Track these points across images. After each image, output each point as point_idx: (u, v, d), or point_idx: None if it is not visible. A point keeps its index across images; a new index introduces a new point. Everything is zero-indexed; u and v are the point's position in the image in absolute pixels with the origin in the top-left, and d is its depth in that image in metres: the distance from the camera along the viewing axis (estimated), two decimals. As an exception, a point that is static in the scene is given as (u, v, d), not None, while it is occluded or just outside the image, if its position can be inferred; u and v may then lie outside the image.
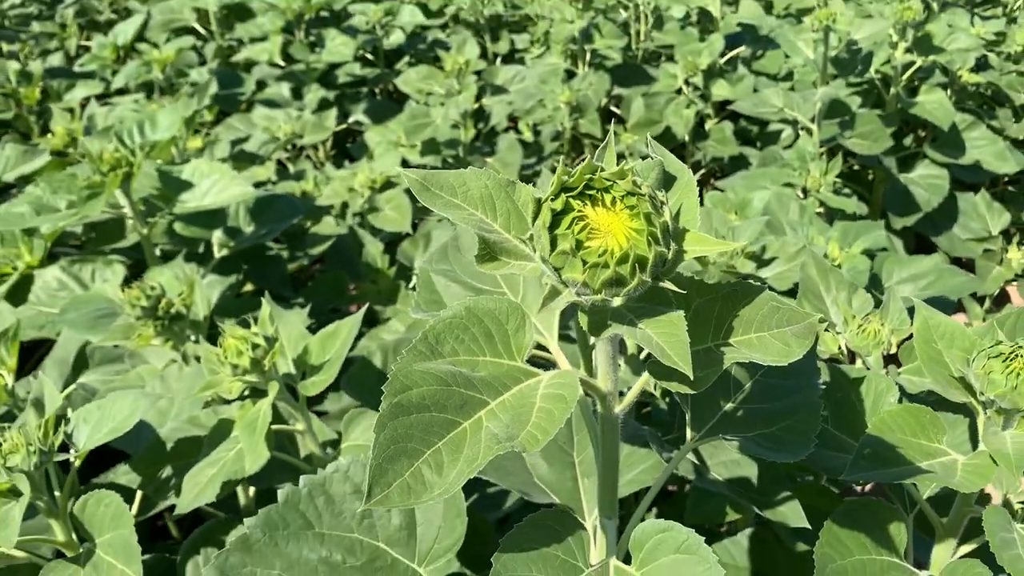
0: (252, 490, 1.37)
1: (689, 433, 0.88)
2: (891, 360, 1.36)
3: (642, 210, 0.58)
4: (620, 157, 3.01)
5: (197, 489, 1.04)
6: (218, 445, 1.08)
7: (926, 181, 3.23)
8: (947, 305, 2.02)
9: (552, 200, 0.60)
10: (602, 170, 0.60)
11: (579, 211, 0.58)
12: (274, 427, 1.05)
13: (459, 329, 0.65)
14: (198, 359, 1.22)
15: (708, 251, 0.60)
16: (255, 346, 1.04)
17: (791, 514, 1.03)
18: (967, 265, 3.12)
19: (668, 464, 0.87)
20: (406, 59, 4.37)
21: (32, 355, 2.10)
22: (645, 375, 0.73)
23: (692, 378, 0.59)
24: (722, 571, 0.64)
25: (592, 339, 0.72)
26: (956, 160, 3.23)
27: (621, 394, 0.75)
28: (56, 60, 4.10)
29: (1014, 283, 2.95)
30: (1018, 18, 3.85)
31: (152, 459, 1.15)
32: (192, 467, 1.07)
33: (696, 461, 1.07)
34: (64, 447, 1.03)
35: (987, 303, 3.06)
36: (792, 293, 1.50)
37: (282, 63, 3.87)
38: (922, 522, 1.11)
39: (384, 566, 0.85)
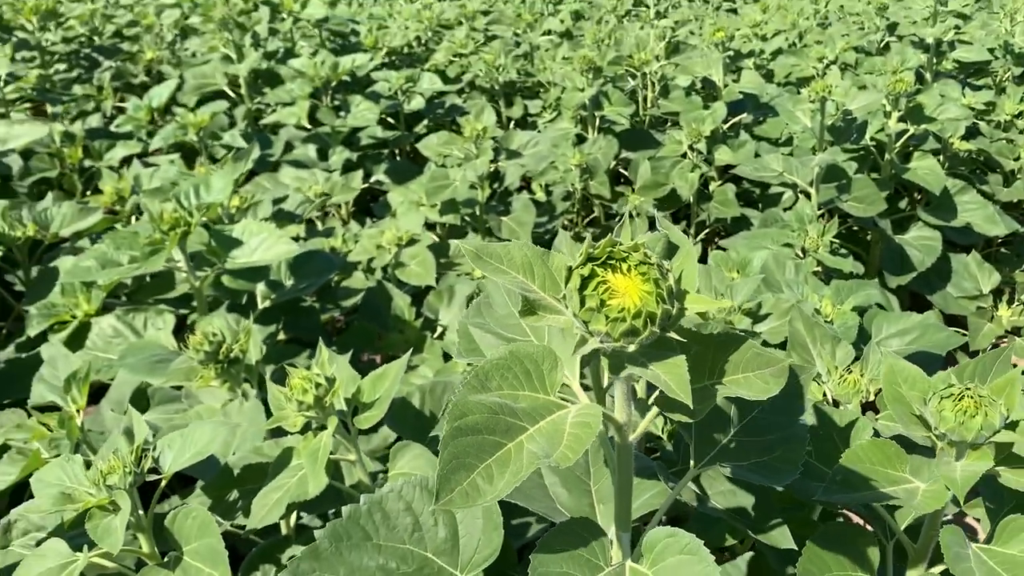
0: (293, 519, 1.51)
1: (692, 462, 1.03)
2: (869, 407, 1.51)
3: (652, 276, 0.75)
4: (631, 217, 3.18)
5: (265, 510, 1.19)
6: (281, 472, 1.23)
7: (920, 242, 3.40)
8: (933, 359, 2.17)
9: (581, 267, 0.76)
10: (620, 244, 0.77)
11: (602, 277, 0.75)
12: (331, 456, 1.20)
13: (504, 368, 0.82)
14: (263, 399, 1.38)
15: (704, 308, 0.77)
16: (317, 385, 1.20)
17: (781, 538, 1.17)
18: (961, 322, 3.26)
19: (673, 489, 1.02)
20: (425, 122, 4.61)
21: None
22: (653, 411, 0.89)
23: (692, 408, 0.75)
24: (718, 569, 0.79)
25: (607, 379, 0.89)
26: (948, 223, 3.41)
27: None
28: (95, 121, 4.33)
29: (1005, 339, 3.10)
30: (1007, 88, 4.05)
31: (222, 484, 1.30)
32: (257, 492, 1.22)
33: (698, 492, 1.22)
34: (153, 470, 1.19)
35: (980, 359, 3.20)
36: (784, 346, 1.66)
37: (308, 126, 4.10)
38: (902, 551, 1.25)
39: (431, 573, 1.00)
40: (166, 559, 1.16)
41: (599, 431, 0.90)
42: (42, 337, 2.24)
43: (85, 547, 1.14)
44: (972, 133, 3.91)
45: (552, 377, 0.83)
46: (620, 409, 0.88)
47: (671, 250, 0.87)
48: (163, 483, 1.20)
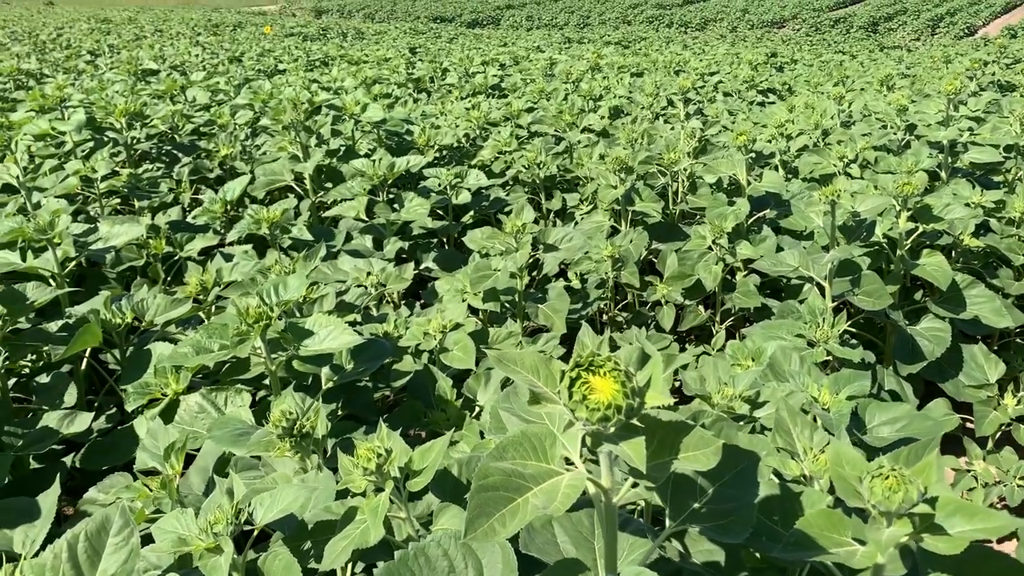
0: (349, 570, 1.80)
1: (668, 523, 1.31)
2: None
3: (620, 379, 1.05)
4: (653, 304, 3.47)
5: (335, 554, 1.47)
6: (347, 526, 1.52)
7: (930, 333, 3.62)
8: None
9: (571, 371, 1.07)
10: (599, 355, 1.08)
11: (585, 378, 1.06)
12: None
13: (517, 444, 1.12)
14: (332, 468, 1.68)
15: (658, 403, 1.06)
16: (379, 455, 1.50)
17: (747, 588, 1.43)
18: (970, 409, 3.45)
19: (655, 542, 1.30)
20: (471, 214, 5.00)
21: (170, 464, 2.59)
22: (630, 480, 1.18)
23: (649, 475, 1.04)
24: (672, 596, 1.06)
25: (596, 454, 1.18)
26: (958, 315, 3.63)
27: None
28: (174, 213, 4.80)
29: (1010, 426, 3.28)
30: (1016, 188, 4.30)
31: (299, 536, 1.59)
32: (327, 542, 1.52)
33: (682, 551, 1.48)
34: (246, 523, 1.49)
35: (989, 444, 3.39)
36: (773, 430, 1.91)
37: (366, 218, 4.51)
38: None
39: (462, 605, 1.28)
40: (257, 593, 1.45)
41: (593, 492, 1.19)
42: (137, 411, 2.60)
43: (195, 580, 1.45)
44: (983, 230, 4.15)
45: (552, 451, 1.13)
46: (606, 477, 1.17)
47: (644, 359, 1.17)
48: (255, 532, 1.51)
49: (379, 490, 1.53)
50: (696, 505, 1.32)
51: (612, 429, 1.06)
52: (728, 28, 39.89)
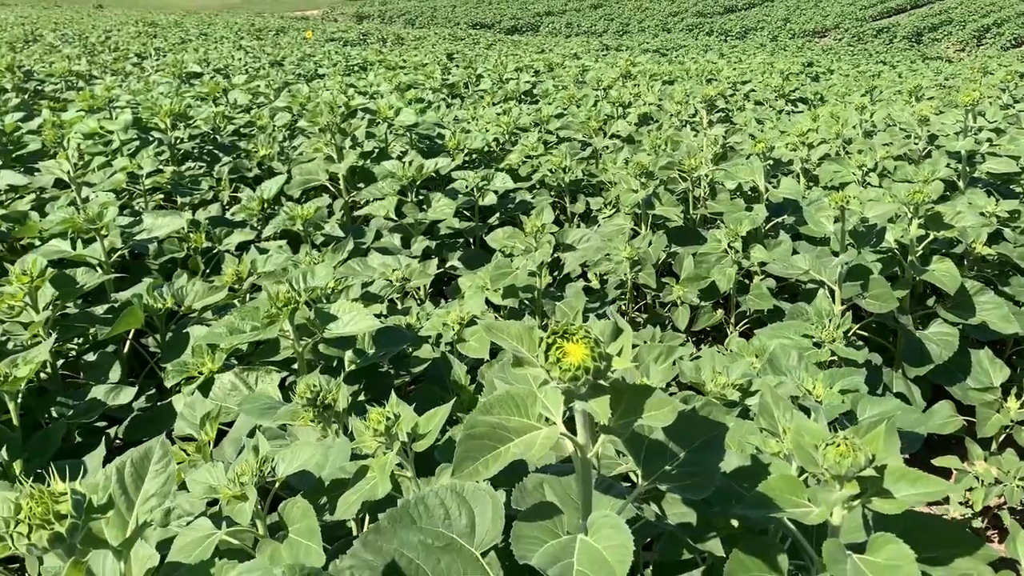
0: (366, 523, 1.97)
1: (641, 482, 1.46)
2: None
3: (591, 345, 1.21)
4: (670, 305, 3.60)
5: (347, 505, 1.65)
6: (359, 482, 1.69)
7: (939, 337, 3.71)
8: (915, 437, 2.50)
9: (548, 338, 1.23)
10: (573, 324, 1.24)
11: (559, 344, 1.22)
12: (394, 472, 1.67)
13: (502, 401, 1.29)
14: (348, 434, 1.86)
15: (621, 367, 1.22)
16: (388, 418, 1.67)
17: (715, 546, 1.57)
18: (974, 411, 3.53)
19: (628, 498, 1.46)
20: (497, 215, 5.18)
21: (204, 437, 2.80)
22: (602, 437, 1.34)
23: (612, 428, 1.20)
24: (632, 536, 1.21)
25: (569, 410, 1.34)
26: (966, 320, 3.72)
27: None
28: (214, 210, 5.04)
29: (1011, 428, 3.36)
30: (1032, 198, 4.36)
31: (315, 492, 1.76)
32: (341, 496, 1.69)
33: (658, 512, 1.63)
34: (269, 482, 1.67)
35: (993, 446, 3.47)
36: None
37: (395, 217, 4.70)
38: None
39: (455, 548, 1.44)
40: (276, 536, 1.63)
41: (571, 450, 1.35)
42: (175, 389, 2.81)
43: (223, 524, 1.63)
44: (997, 238, 4.22)
45: (532, 409, 1.29)
46: (581, 433, 1.32)
47: (617, 331, 1.33)
48: (276, 485, 1.69)
49: (390, 449, 1.70)
50: (667, 467, 1.48)
51: (583, 389, 1.22)
52: (768, 37, 39.70)
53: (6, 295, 2.77)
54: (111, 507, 1.05)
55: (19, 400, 2.47)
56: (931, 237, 3.81)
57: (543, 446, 1.23)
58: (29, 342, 2.87)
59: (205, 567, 1.20)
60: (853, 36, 39.57)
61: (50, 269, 2.86)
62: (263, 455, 1.68)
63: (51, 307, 2.88)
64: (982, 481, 3.27)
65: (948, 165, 4.66)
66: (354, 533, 1.89)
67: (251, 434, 2.34)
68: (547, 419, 1.32)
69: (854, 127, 5.73)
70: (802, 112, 8.56)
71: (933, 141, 5.24)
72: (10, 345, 2.89)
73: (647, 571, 1.80)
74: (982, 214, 4.18)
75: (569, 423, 1.34)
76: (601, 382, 1.21)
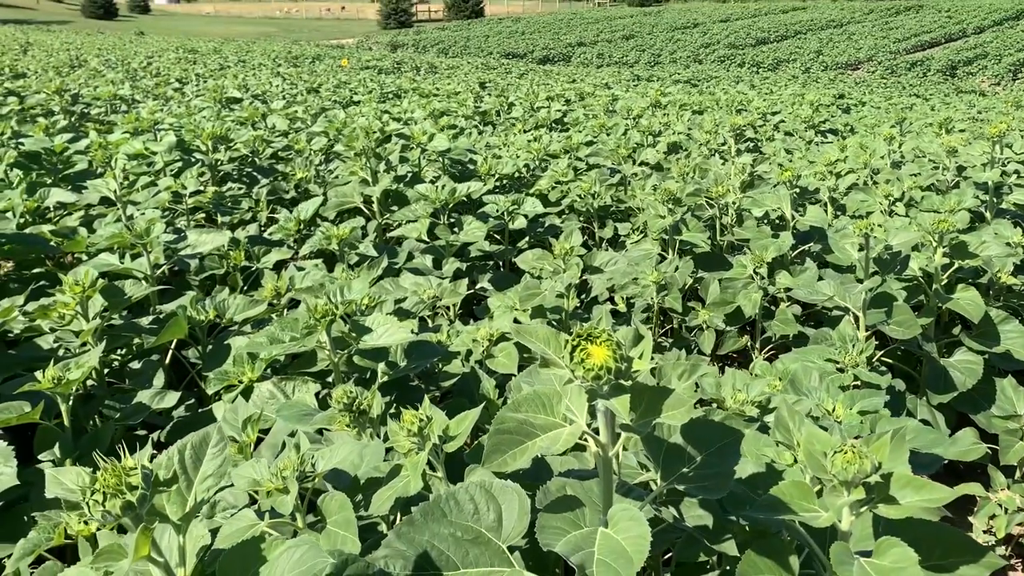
0: (395, 521, 2.06)
1: (660, 483, 1.55)
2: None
3: (613, 347, 1.31)
4: (696, 329, 3.67)
5: (381, 501, 1.74)
6: (392, 479, 1.79)
7: (963, 365, 3.74)
8: (934, 459, 2.55)
9: (573, 340, 1.33)
10: (597, 328, 1.34)
11: (584, 346, 1.31)
12: (426, 471, 1.76)
13: (530, 400, 1.38)
14: (383, 437, 1.96)
15: (641, 368, 1.31)
16: (421, 420, 1.77)
17: (730, 547, 1.64)
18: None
19: (647, 498, 1.54)
20: (527, 239, 5.29)
21: (242, 444, 2.92)
22: (623, 435, 1.43)
23: (632, 425, 1.29)
24: (649, 528, 1.30)
25: (592, 409, 1.43)
26: (991, 349, 3.75)
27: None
28: (252, 229, 5.21)
29: (1035, 456, 3.37)
30: (1059, 229, 4.38)
31: (352, 489, 1.86)
32: (375, 493, 1.79)
33: (676, 515, 1.71)
34: (308, 477, 1.78)
35: (1017, 474, 3.48)
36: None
37: (427, 239, 4.83)
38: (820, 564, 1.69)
39: (483, 541, 1.53)
40: (314, 527, 1.73)
41: (594, 450, 1.44)
42: (215, 397, 2.93)
43: (266, 515, 1.73)
44: (1023, 268, 4.25)
45: (558, 408, 1.38)
46: (603, 432, 1.42)
47: (638, 337, 1.42)
48: (316, 480, 1.79)
49: (422, 449, 1.80)
50: (685, 470, 1.56)
51: (605, 388, 1.31)
52: (800, 69, 39.71)
53: (59, 303, 2.93)
54: (175, 481, 1.16)
55: (70, 403, 2.61)
56: (956, 266, 3.85)
57: (567, 442, 1.32)
58: (78, 349, 3.01)
59: (255, 543, 1.29)
60: (886, 69, 39.47)
61: (100, 280, 3.01)
62: (303, 451, 1.79)
63: (100, 316, 3.03)
64: (1005, 509, 3.29)
65: (975, 196, 4.70)
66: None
67: (291, 436, 2.45)
68: (571, 420, 1.41)
69: (882, 157, 5.78)
70: (831, 143, 8.61)
71: (961, 172, 5.28)
72: (60, 352, 3.04)
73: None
74: (1008, 244, 4.21)
75: (591, 428, 1.43)
76: (622, 382, 1.30)
